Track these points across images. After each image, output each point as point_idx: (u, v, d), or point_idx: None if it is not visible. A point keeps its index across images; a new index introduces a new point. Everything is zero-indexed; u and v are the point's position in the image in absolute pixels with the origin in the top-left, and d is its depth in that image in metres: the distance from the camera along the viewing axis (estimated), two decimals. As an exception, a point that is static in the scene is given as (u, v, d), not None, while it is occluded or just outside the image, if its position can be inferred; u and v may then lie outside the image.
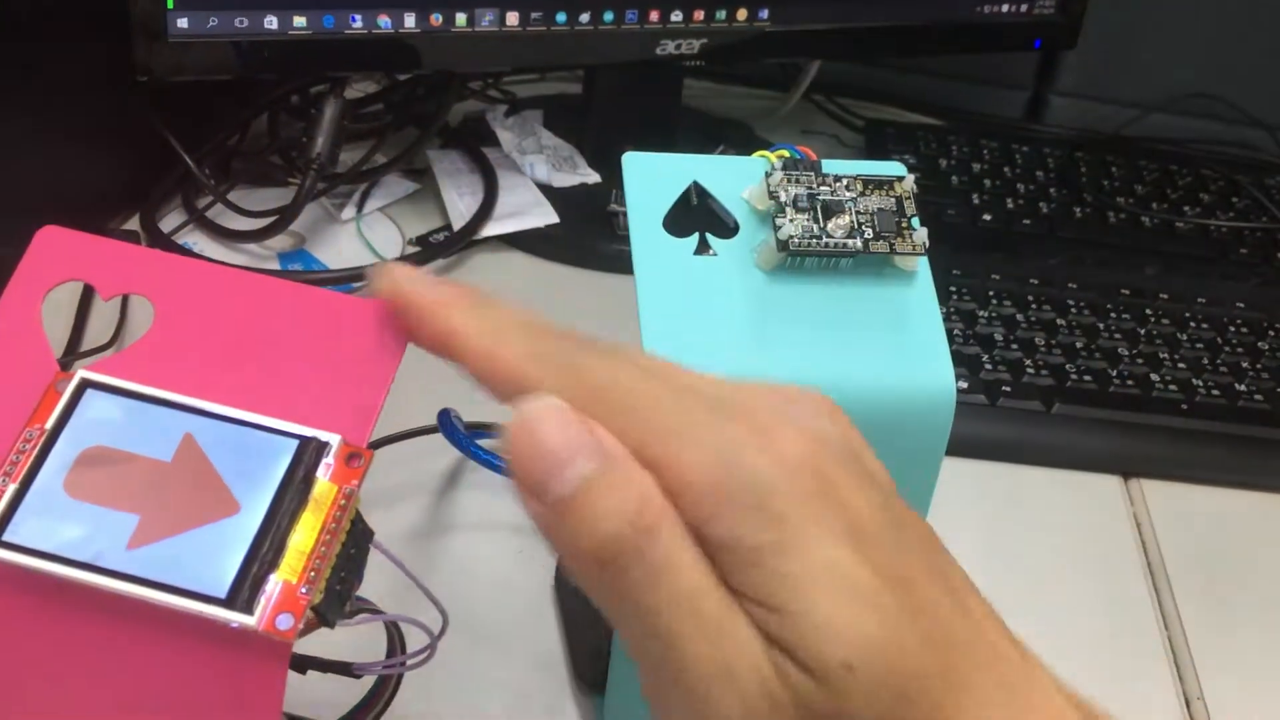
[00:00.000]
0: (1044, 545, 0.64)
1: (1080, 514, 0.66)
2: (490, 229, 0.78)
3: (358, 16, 0.70)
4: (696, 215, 0.44)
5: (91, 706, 0.33)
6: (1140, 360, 0.72)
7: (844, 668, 0.27)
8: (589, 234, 0.79)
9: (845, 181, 0.43)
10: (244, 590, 0.31)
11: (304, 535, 0.32)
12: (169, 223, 0.77)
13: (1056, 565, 0.63)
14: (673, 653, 0.28)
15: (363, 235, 0.78)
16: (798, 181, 0.43)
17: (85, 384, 0.34)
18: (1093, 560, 0.63)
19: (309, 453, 0.33)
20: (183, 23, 0.66)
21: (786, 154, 0.44)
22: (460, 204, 0.80)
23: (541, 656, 0.54)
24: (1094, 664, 0.58)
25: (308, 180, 0.73)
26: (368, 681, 0.41)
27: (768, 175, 0.43)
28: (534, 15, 0.73)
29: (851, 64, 1.01)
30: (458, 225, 0.78)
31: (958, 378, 0.57)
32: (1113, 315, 0.75)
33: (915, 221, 0.43)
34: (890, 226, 0.43)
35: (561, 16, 0.74)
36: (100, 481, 0.33)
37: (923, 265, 0.44)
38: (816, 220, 0.42)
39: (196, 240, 0.76)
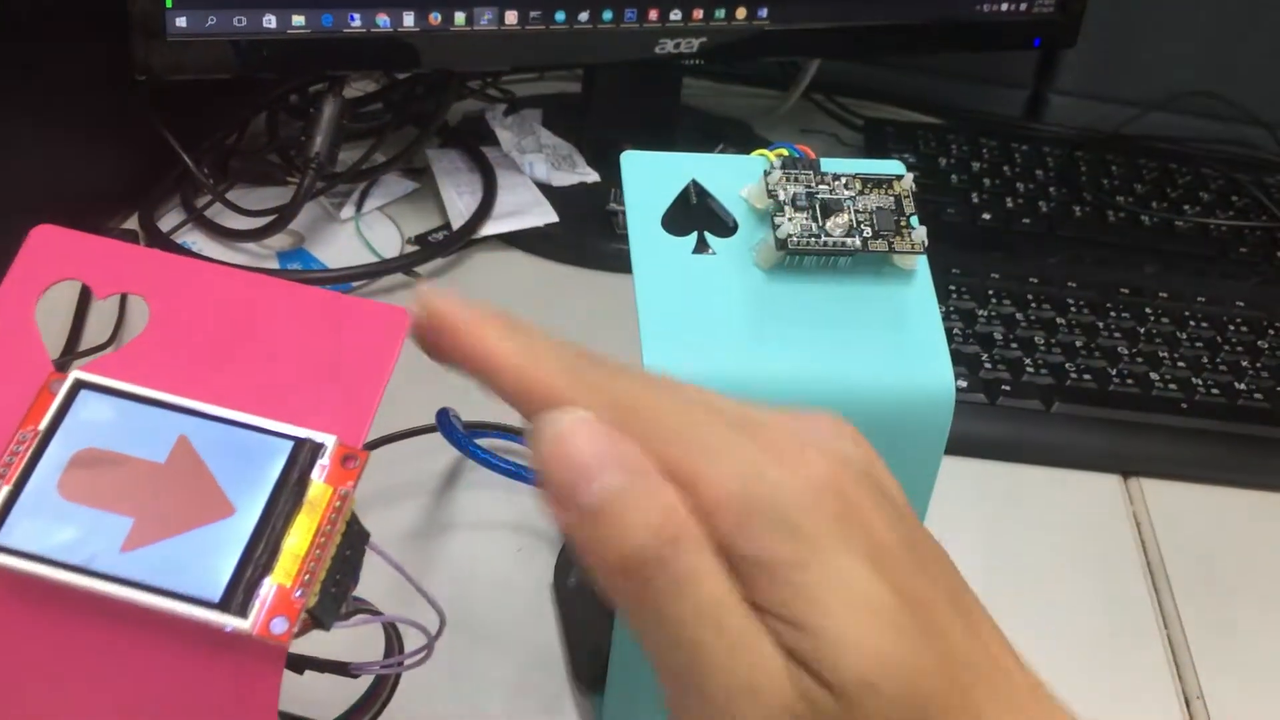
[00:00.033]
0: (1043, 544, 0.64)
1: (1080, 513, 0.66)
2: (489, 228, 0.78)
3: (356, 15, 0.70)
4: (695, 214, 0.44)
5: (86, 710, 0.33)
6: (1140, 359, 0.72)
7: (864, 685, 0.27)
8: (588, 233, 0.79)
9: (844, 180, 0.43)
10: (238, 594, 0.31)
11: (299, 538, 0.32)
12: (168, 222, 0.77)
13: (1056, 564, 0.62)
14: (696, 665, 0.28)
15: (362, 234, 0.78)
16: (796, 180, 0.43)
17: (79, 385, 0.34)
18: (1092, 559, 0.63)
19: (304, 454, 0.33)
20: (181, 22, 0.66)
21: (785, 153, 0.44)
22: (459, 203, 0.79)
23: (540, 656, 0.54)
24: (1094, 663, 0.57)
25: (306, 179, 0.73)
26: (365, 681, 0.40)
27: (766, 174, 0.43)
28: (533, 14, 0.73)
29: (851, 63, 1.01)
30: (457, 224, 0.78)
31: (957, 377, 0.57)
32: (1112, 314, 0.75)
33: (914, 220, 0.43)
34: (889, 225, 0.43)
35: (560, 15, 0.74)
36: (94, 483, 0.32)
37: (922, 264, 0.44)
38: (815, 219, 0.42)
39: (195, 239, 0.76)
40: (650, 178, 0.44)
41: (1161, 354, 0.73)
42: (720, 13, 0.77)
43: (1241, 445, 0.69)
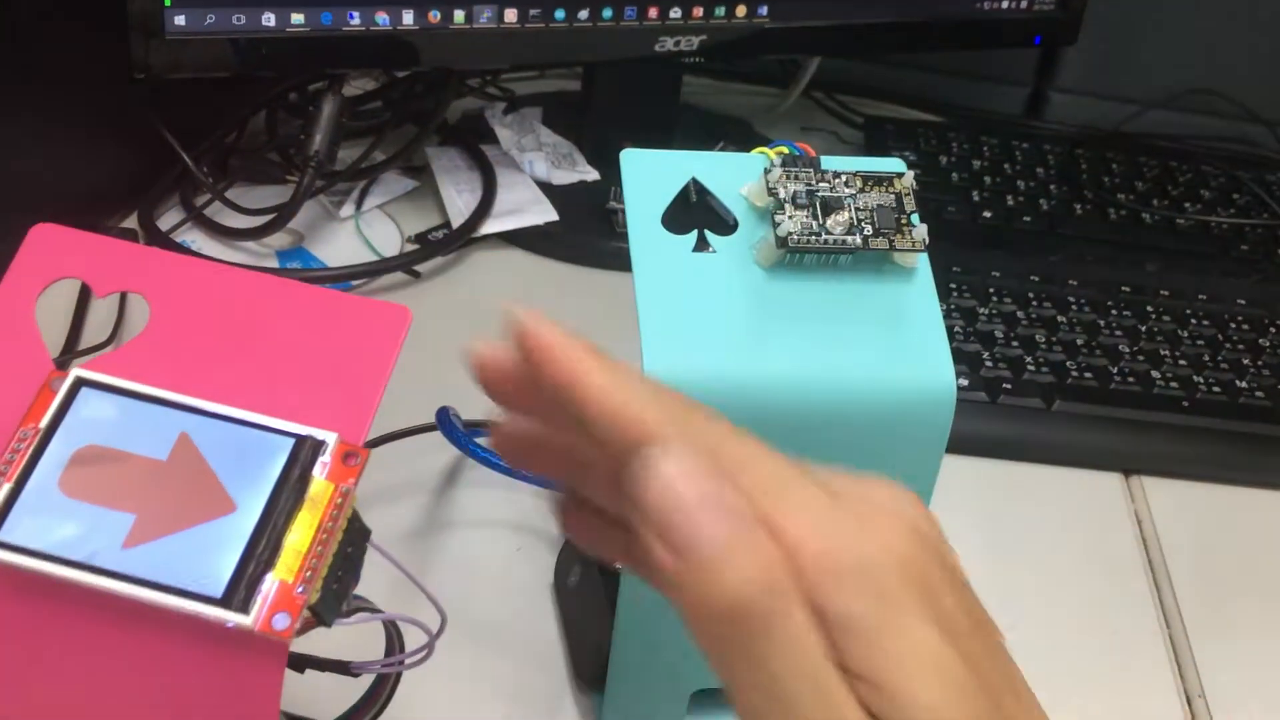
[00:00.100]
0: (1045, 543, 0.64)
1: (1081, 511, 0.66)
2: (489, 226, 0.78)
3: (355, 13, 0.70)
4: (695, 212, 0.44)
5: (88, 706, 0.33)
6: (1141, 357, 0.72)
7: None
8: (588, 231, 0.79)
9: (845, 178, 0.43)
10: (240, 590, 0.31)
11: (300, 534, 0.32)
12: (167, 220, 0.77)
13: (1057, 562, 0.62)
14: (786, 716, 0.29)
15: (361, 233, 0.78)
16: (797, 178, 0.43)
17: (80, 382, 0.34)
18: (1093, 558, 0.63)
19: (305, 451, 0.33)
20: (180, 20, 0.66)
21: (786, 150, 0.44)
22: (459, 201, 0.79)
23: (540, 655, 0.53)
24: (1095, 661, 0.57)
25: (306, 178, 0.72)
26: (366, 680, 0.40)
27: (767, 172, 0.43)
28: (532, 12, 0.73)
29: (851, 60, 1.01)
30: (456, 223, 0.78)
31: (958, 375, 0.57)
32: (1113, 312, 0.75)
33: (915, 218, 0.43)
34: (890, 223, 0.43)
35: (560, 13, 0.74)
36: (95, 480, 0.32)
37: (922, 262, 0.44)
38: (816, 217, 0.42)
39: (195, 238, 0.76)
40: (650, 176, 0.43)
41: (1163, 352, 0.73)
42: (720, 11, 0.77)
43: (1243, 443, 0.69)
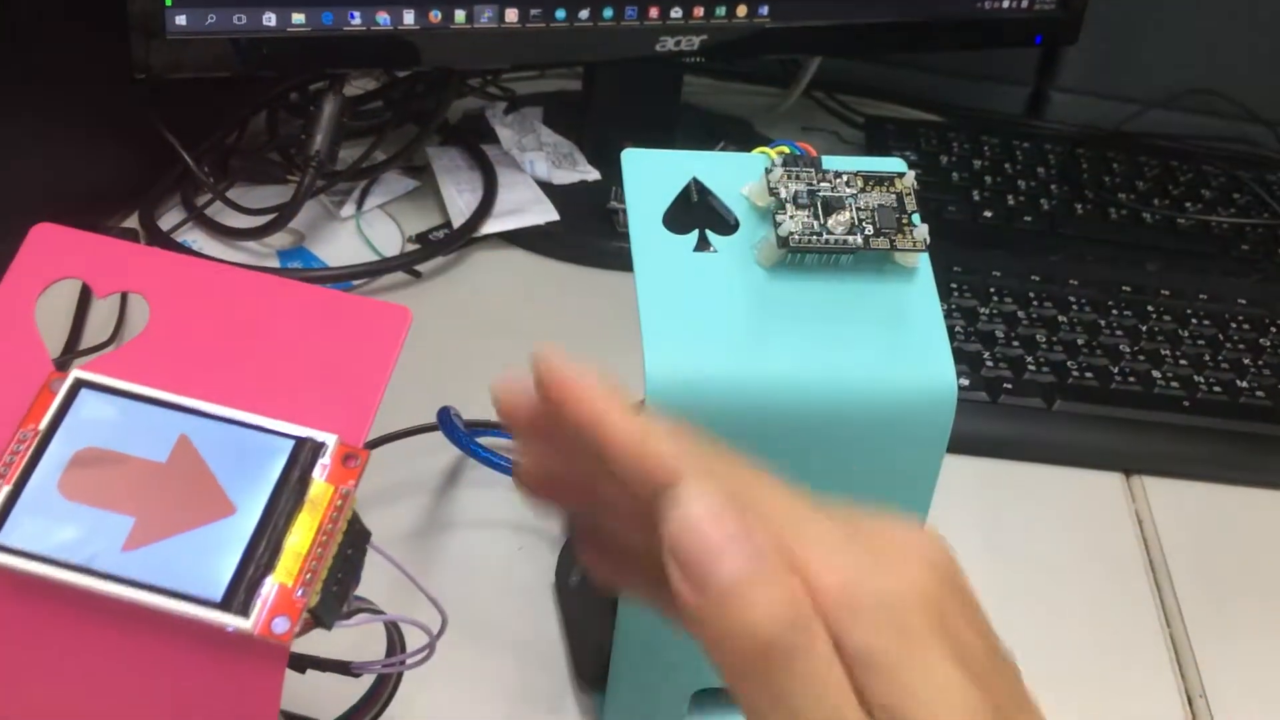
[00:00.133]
0: (1045, 543, 0.64)
1: (1082, 511, 0.66)
2: (490, 226, 0.78)
3: (356, 13, 0.70)
4: (696, 212, 0.44)
5: (88, 709, 0.33)
6: (1142, 357, 0.72)
7: None
8: (589, 231, 0.79)
9: (846, 178, 0.43)
10: (240, 593, 0.31)
11: (300, 537, 0.32)
12: (168, 220, 0.76)
13: (1058, 562, 0.62)
14: None
15: (362, 233, 0.78)
16: (798, 178, 0.43)
17: (80, 384, 0.34)
18: (1094, 557, 0.63)
19: (305, 453, 0.33)
20: (181, 20, 0.66)
21: (787, 150, 0.44)
22: (460, 201, 0.79)
23: (542, 655, 0.53)
24: (1095, 661, 0.57)
25: (307, 178, 0.72)
26: (367, 680, 0.40)
27: (768, 172, 0.43)
28: (533, 12, 0.73)
29: (852, 60, 1.01)
30: (457, 222, 0.78)
31: (959, 375, 0.57)
32: (1114, 312, 0.75)
33: (916, 218, 0.43)
34: (891, 223, 0.43)
35: (561, 13, 0.74)
36: (95, 483, 0.32)
37: (923, 262, 0.44)
38: (817, 217, 0.42)
39: (196, 238, 0.76)
40: (651, 176, 0.43)
41: (1163, 352, 0.73)
42: (721, 10, 0.77)
43: (1243, 443, 0.69)
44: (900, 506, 0.44)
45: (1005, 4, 0.85)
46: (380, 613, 0.36)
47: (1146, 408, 0.69)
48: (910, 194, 0.43)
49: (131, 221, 0.76)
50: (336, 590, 0.33)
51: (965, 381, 0.69)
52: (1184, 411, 0.69)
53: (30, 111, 0.69)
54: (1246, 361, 0.73)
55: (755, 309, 0.42)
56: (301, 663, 0.39)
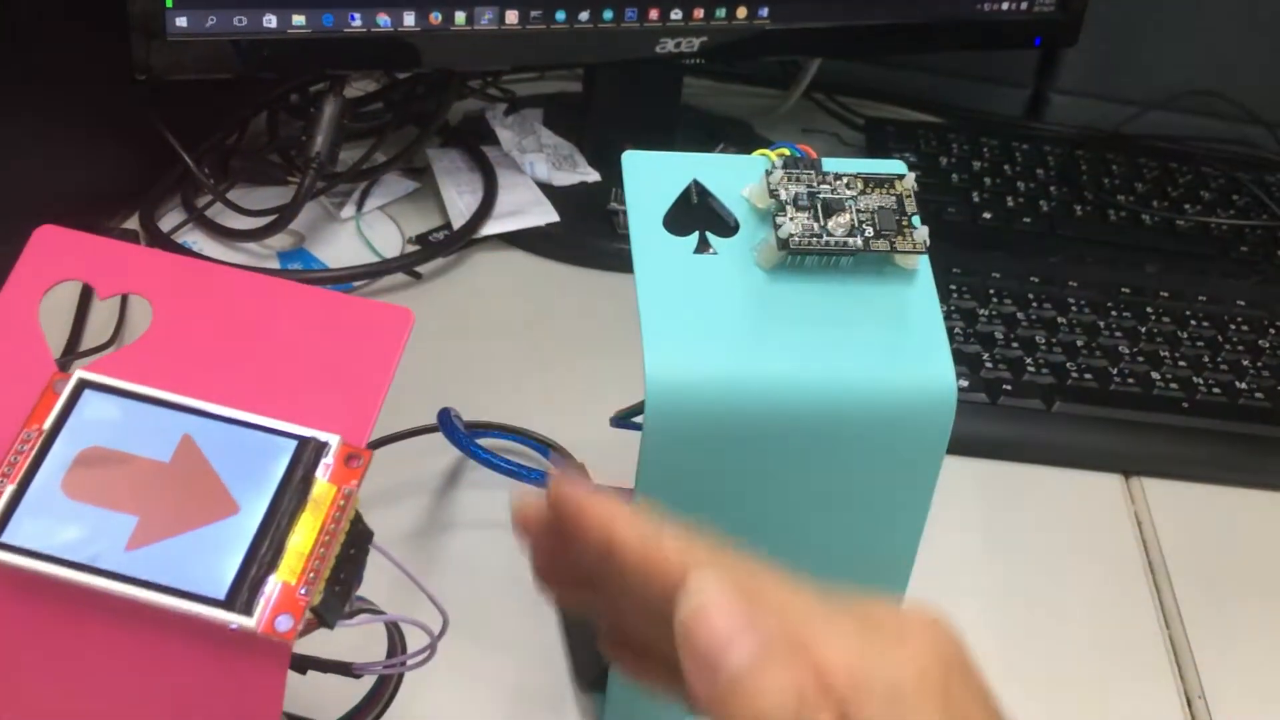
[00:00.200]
0: (1045, 544, 0.64)
1: (1081, 512, 0.66)
2: (490, 227, 0.78)
3: (357, 15, 0.70)
4: (696, 214, 0.44)
5: (91, 707, 0.33)
6: (1141, 358, 0.72)
7: None
8: (589, 232, 0.79)
9: (846, 180, 0.43)
10: (243, 592, 0.31)
11: (303, 536, 0.32)
12: (168, 222, 0.77)
13: (1057, 564, 0.62)
14: None
15: (362, 234, 0.78)
16: (798, 180, 0.43)
17: (83, 384, 0.34)
18: (1094, 559, 0.63)
19: (308, 453, 0.33)
20: (181, 21, 0.66)
21: (787, 152, 0.44)
22: (460, 202, 0.79)
23: (542, 656, 0.54)
24: (1095, 662, 0.58)
25: (307, 179, 0.72)
26: (368, 681, 0.40)
27: (768, 173, 0.43)
28: (533, 14, 0.73)
29: (852, 62, 1.01)
30: (457, 224, 0.78)
31: (958, 376, 0.57)
32: (1113, 313, 0.75)
33: (916, 220, 0.43)
34: (891, 225, 0.43)
35: (561, 15, 0.74)
36: (98, 482, 0.32)
37: (923, 263, 0.44)
38: (817, 218, 0.42)
39: (196, 239, 0.76)
40: (651, 177, 0.44)
41: (1162, 353, 0.73)
42: (721, 12, 0.77)
43: (1243, 444, 0.69)
44: (900, 507, 0.45)
45: (1005, 6, 0.85)
46: (381, 613, 0.36)
47: (1145, 409, 0.69)
48: (910, 196, 0.43)
49: (132, 222, 0.76)
50: (339, 589, 0.33)
51: (965, 383, 0.69)
52: (1183, 413, 0.69)
53: (30, 112, 0.69)
54: (1245, 363, 0.73)
55: (755, 311, 0.42)
56: (303, 664, 0.39)
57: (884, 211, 0.43)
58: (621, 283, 0.45)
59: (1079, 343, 0.73)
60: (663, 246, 0.42)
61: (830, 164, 0.44)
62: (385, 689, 0.41)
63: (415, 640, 0.39)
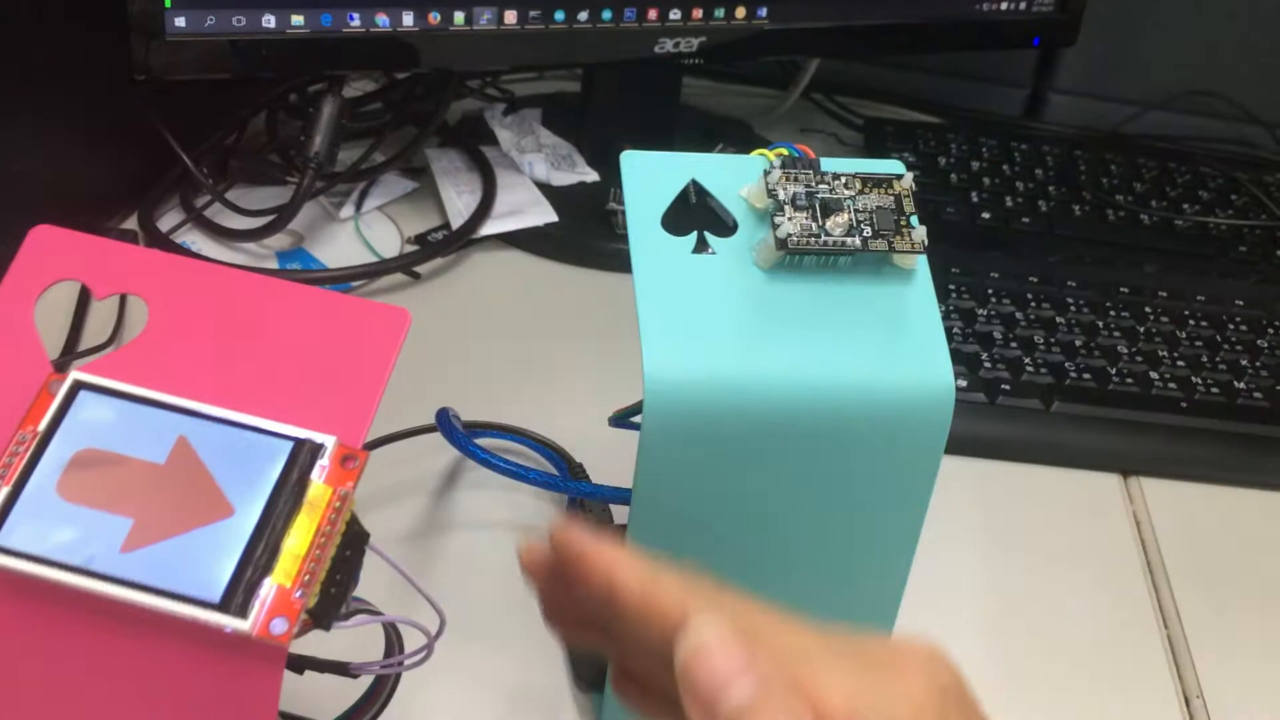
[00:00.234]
0: (1043, 544, 0.64)
1: (1079, 512, 0.66)
2: (489, 227, 0.78)
3: (355, 15, 0.70)
4: (695, 213, 0.44)
5: (85, 710, 0.33)
6: (1139, 358, 0.72)
7: None
8: (588, 232, 0.79)
9: (844, 180, 0.43)
10: (238, 594, 0.31)
11: (298, 538, 0.32)
12: (167, 222, 0.77)
13: (1056, 564, 0.62)
14: None
15: (361, 234, 0.78)
16: (796, 180, 0.43)
17: (78, 385, 0.34)
18: (1092, 558, 0.63)
19: (304, 454, 0.33)
20: (180, 22, 0.66)
21: (785, 152, 0.44)
22: (459, 202, 0.79)
23: (540, 656, 0.53)
24: (1093, 663, 0.57)
25: (306, 179, 0.72)
26: (365, 681, 0.40)
27: (766, 173, 0.43)
28: (532, 14, 0.73)
29: (850, 62, 1.01)
30: (456, 224, 0.78)
31: (957, 376, 0.57)
32: (1112, 313, 0.75)
33: (914, 220, 0.43)
34: (889, 225, 0.43)
35: (560, 15, 0.74)
36: (94, 484, 0.32)
37: (921, 263, 0.44)
38: (815, 218, 0.42)
39: (195, 239, 0.76)
40: (650, 177, 0.43)
41: (1161, 353, 0.73)
42: (719, 12, 0.77)
43: (1241, 444, 0.69)
44: (898, 507, 0.45)
45: (1003, 6, 0.85)
46: (379, 614, 0.36)
47: (1144, 409, 0.69)
48: (908, 196, 0.43)
49: (130, 222, 0.76)
50: (335, 591, 0.33)
51: (963, 383, 0.69)
52: (1181, 413, 0.69)
53: (30, 111, 0.69)
54: (1244, 363, 0.73)
55: (753, 310, 0.42)
56: (300, 664, 0.39)
57: (882, 211, 0.43)
58: (620, 283, 0.45)
59: (1078, 342, 0.73)
60: (661, 246, 0.42)
61: (828, 164, 0.44)
62: (382, 689, 0.41)
63: (412, 640, 0.39)
